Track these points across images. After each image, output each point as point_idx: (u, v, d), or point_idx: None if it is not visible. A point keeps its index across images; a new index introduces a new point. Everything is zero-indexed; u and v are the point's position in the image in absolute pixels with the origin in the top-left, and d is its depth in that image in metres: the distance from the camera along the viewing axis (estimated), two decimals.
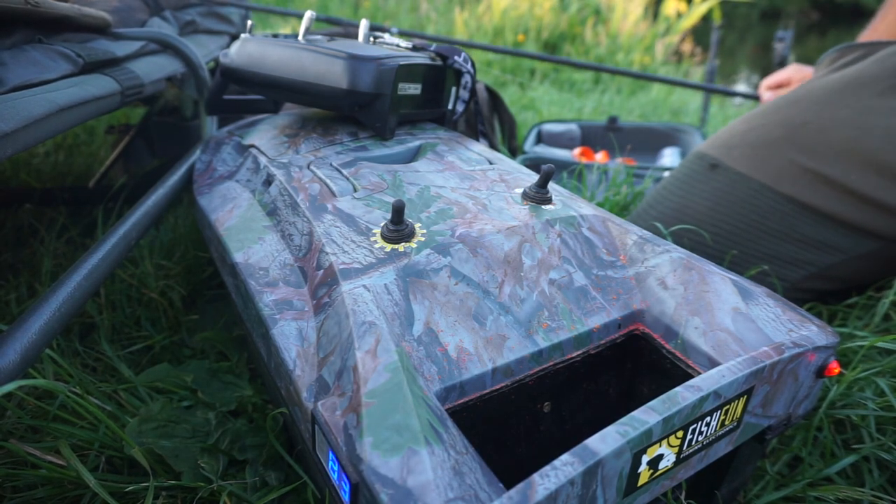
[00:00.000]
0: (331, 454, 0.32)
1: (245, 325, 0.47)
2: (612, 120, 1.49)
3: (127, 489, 0.45)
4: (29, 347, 0.40)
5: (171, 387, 0.57)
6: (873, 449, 0.51)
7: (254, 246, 0.47)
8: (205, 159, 0.66)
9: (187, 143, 1.11)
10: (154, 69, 0.75)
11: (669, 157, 1.35)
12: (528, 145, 1.41)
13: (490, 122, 1.16)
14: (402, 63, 0.59)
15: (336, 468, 0.31)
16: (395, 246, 0.41)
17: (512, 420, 0.40)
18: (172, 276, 0.76)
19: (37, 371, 0.53)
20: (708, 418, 0.33)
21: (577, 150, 1.37)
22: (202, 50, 0.92)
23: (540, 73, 2.80)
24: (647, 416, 0.30)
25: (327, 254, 0.42)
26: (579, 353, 0.41)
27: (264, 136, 0.64)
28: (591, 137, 1.48)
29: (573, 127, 1.48)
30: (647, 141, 1.49)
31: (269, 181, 0.55)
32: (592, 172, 1.11)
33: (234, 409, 0.55)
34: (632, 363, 0.45)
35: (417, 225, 0.43)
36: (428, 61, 0.66)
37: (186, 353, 0.66)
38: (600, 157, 1.34)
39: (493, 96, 1.17)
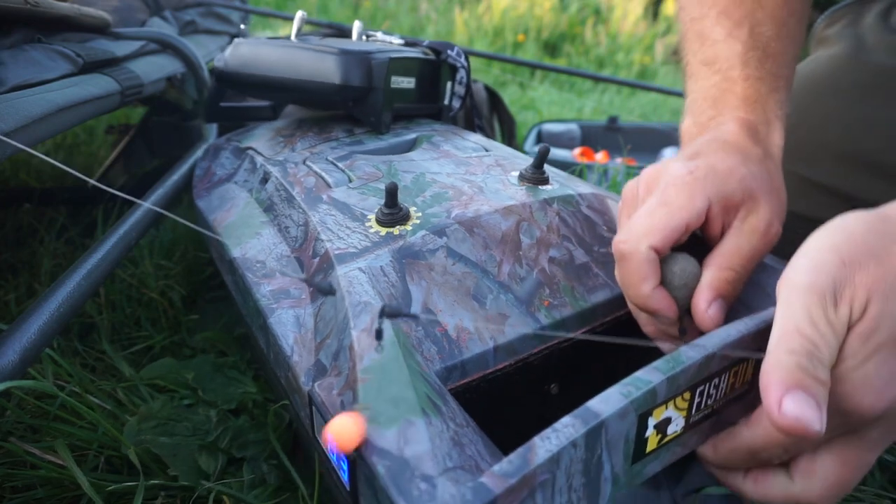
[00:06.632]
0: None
1: (245, 322, 0.47)
2: (612, 120, 1.49)
3: (109, 488, 0.44)
4: (28, 347, 0.40)
5: (172, 385, 0.57)
6: None
7: (251, 241, 0.48)
8: (204, 165, 0.66)
9: (187, 143, 1.11)
10: (154, 69, 0.75)
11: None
12: (529, 145, 1.41)
13: (490, 122, 1.16)
14: (393, 56, 0.59)
15: (333, 449, 0.31)
16: (390, 229, 0.41)
17: (519, 402, 0.40)
18: (172, 276, 0.76)
19: (36, 371, 0.53)
20: (716, 380, 0.32)
21: (577, 150, 1.37)
22: (202, 50, 0.92)
23: (540, 73, 2.80)
24: (650, 375, 0.29)
25: (322, 241, 0.42)
26: (584, 329, 0.41)
27: (261, 138, 0.64)
28: (591, 137, 1.49)
29: (573, 127, 1.48)
30: (647, 141, 1.49)
31: (265, 179, 0.55)
32: (593, 172, 1.11)
33: (236, 407, 0.55)
34: (640, 338, 0.44)
35: (412, 208, 0.43)
36: (420, 55, 0.66)
37: (187, 352, 0.66)
38: (600, 157, 1.34)
39: (493, 96, 1.17)
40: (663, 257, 0.37)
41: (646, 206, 0.37)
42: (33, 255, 0.81)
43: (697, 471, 0.43)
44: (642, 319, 0.41)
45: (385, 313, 0.30)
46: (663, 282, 0.36)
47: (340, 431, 0.27)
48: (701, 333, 0.35)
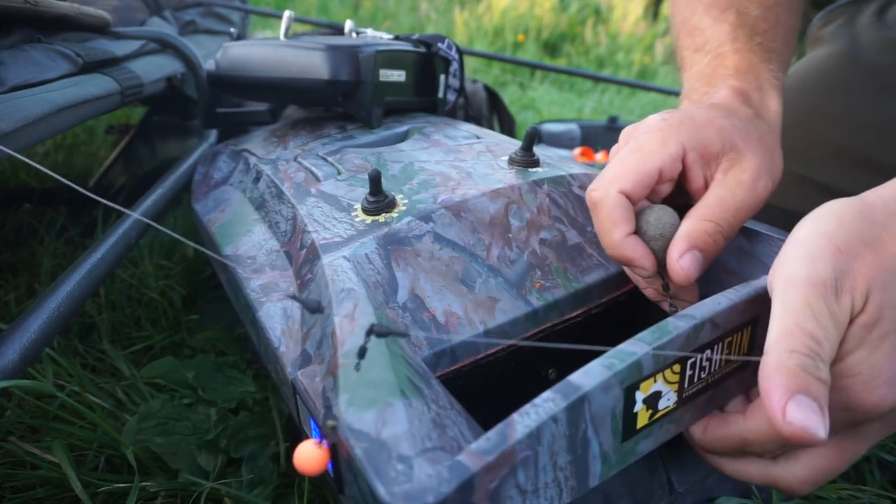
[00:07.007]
0: (311, 422, 0.31)
1: (241, 319, 0.47)
2: (612, 120, 1.49)
3: (102, 489, 0.44)
4: (28, 347, 0.40)
5: (172, 384, 0.57)
6: (874, 450, 0.51)
7: (242, 238, 0.48)
8: (202, 170, 0.66)
9: (187, 143, 1.11)
10: (154, 69, 0.75)
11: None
12: None
13: (490, 122, 1.16)
14: (380, 49, 0.60)
15: (317, 435, 0.31)
16: (376, 217, 0.41)
17: (516, 389, 0.39)
18: (172, 276, 0.76)
19: (36, 371, 0.53)
20: (708, 351, 0.30)
21: (577, 150, 1.37)
22: (202, 50, 0.92)
23: (540, 73, 2.80)
24: (634, 347, 0.28)
25: (309, 232, 0.42)
26: (579, 311, 0.40)
27: (256, 140, 0.65)
28: (591, 137, 1.48)
29: (573, 127, 1.48)
30: None
31: (257, 178, 0.55)
32: None
33: (236, 406, 0.55)
34: (641, 323, 0.43)
35: (399, 196, 0.43)
36: (410, 48, 0.66)
37: (187, 352, 0.66)
38: (600, 157, 1.34)
39: (493, 96, 1.17)
40: (641, 209, 0.36)
41: (618, 154, 0.36)
42: (33, 255, 0.81)
43: (712, 478, 0.42)
44: (641, 283, 0.40)
45: (374, 332, 0.28)
46: (639, 232, 0.35)
47: (304, 457, 0.27)
48: (698, 299, 0.34)
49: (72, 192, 0.95)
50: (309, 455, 0.27)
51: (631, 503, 0.38)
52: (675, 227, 0.35)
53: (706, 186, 0.36)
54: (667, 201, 0.37)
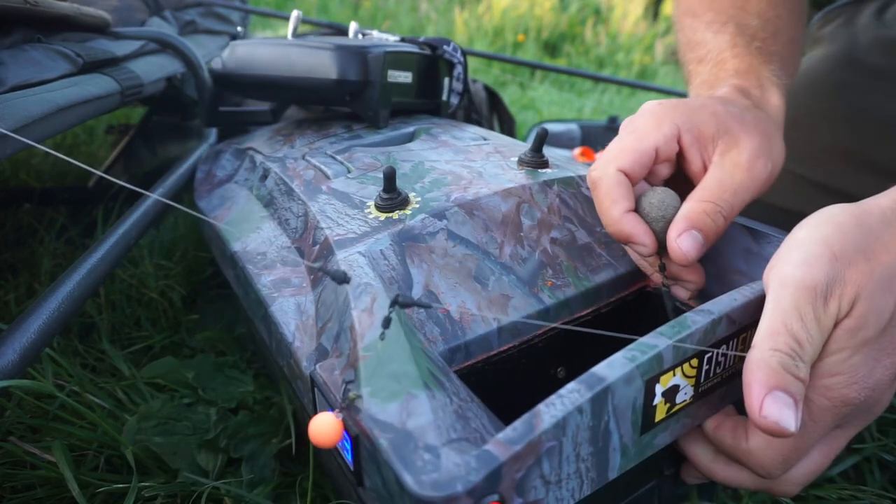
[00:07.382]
0: (330, 413, 0.32)
1: (247, 315, 0.47)
2: (612, 120, 1.49)
3: (101, 489, 0.44)
4: (28, 347, 0.40)
5: (172, 384, 0.57)
6: (875, 450, 0.51)
7: (251, 234, 0.48)
8: (205, 168, 0.66)
9: (187, 143, 1.11)
10: (154, 69, 0.75)
11: None
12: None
13: (490, 122, 1.16)
14: (388, 50, 0.60)
15: None
16: (390, 214, 0.41)
17: (526, 387, 0.39)
18: (172, 276, 0.76)
19: (36, 371, 0.53)
20: (724, 346, 0.31)
21: (577, 150, 1.37)
22: (202, 50, 0.92)
23: (540, 73, 2.80)
24: (655, 340, 0.29)
25: (322, 229, 0.42)
26: (589, 311, 0.40)
27: (261, 139, 0.65)
28: (591, 137, 1.48)
29: (573, 127, 1.48)
30: None
31: (265, 175, 0.55)
32: None
33: (236, 406, 0.55)
34: (647, 322, 0.44)
35: (412, 194, 0.43)
36: (416, 50, 0.66)
37: (187, 352, 0.66)
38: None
39: (493, 96, 1.17)
40: (644, 191, 0.37)
41: (616, 137, 0.38)
42: (33, 255, 0.81)
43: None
44: (647, 269, 0.41)
45: (398, 303, 0.29)
46: (641, 213, 0.36)
47: (320, 428, 0.27)
48: (705, 298, 0.35)
49: (72, 192, 0.95)
50: (324, 426, 0.27)
51: (625, 484, 0.39)
52: (677, 209, 0.36)
53: (705, 169, 0.37)
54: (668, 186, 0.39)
